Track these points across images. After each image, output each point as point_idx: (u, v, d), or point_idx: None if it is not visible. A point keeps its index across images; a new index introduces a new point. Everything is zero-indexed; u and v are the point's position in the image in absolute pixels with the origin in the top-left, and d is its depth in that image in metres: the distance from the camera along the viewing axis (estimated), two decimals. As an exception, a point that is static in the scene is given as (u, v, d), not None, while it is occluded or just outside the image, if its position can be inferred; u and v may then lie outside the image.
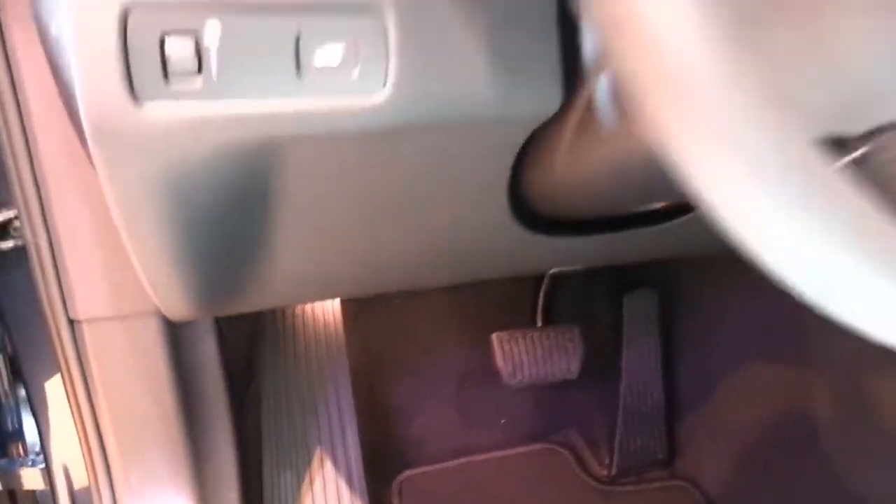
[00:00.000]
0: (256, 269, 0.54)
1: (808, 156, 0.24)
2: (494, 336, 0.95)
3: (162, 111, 0.38)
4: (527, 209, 0.56)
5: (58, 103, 0.48)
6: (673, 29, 0.23)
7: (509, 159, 0.49)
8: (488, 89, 0.42)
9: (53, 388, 0.82)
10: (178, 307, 0.55)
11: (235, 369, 0.81)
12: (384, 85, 0.40)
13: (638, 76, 0.24)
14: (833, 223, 0.24)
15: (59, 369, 0.70)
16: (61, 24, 0.38)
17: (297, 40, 0.38)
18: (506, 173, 0.51)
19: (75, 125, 0.43)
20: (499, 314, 0.97)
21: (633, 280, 1.02)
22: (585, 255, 0.67)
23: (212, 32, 0.37)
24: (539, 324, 1.00)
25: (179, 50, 0.37)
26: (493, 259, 0.62)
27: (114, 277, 0.65)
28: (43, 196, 0.61)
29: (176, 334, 0.70)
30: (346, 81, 0.40)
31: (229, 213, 0.47)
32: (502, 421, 1.06)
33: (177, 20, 0.36)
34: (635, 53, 0.23)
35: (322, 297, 0.75)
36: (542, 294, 0.99)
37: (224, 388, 0.73)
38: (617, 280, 1.02)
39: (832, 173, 0.24)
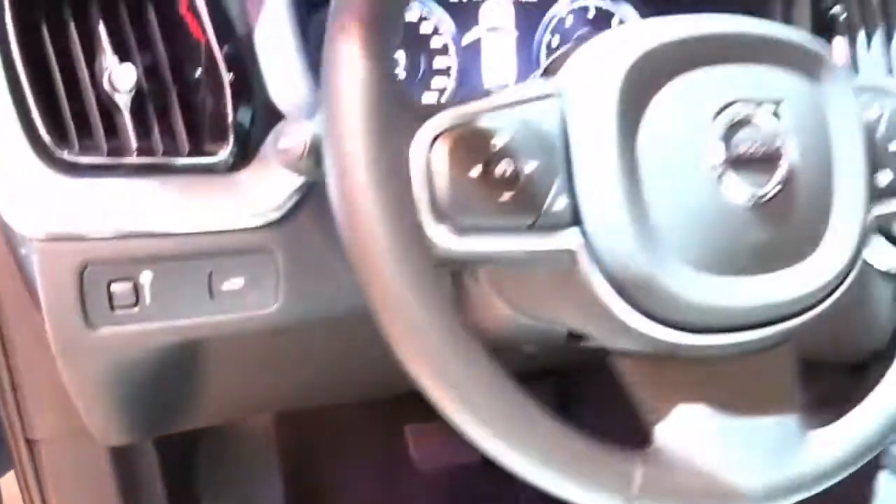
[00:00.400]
0: (186, 403, 0.68)
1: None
2: (407, 428, 1.10)
3: (108, 332, 0.52)
4: None
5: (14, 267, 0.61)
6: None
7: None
8: (354, 292, 0.57)
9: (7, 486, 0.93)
10: (111, 436, 0.68)
11: (175, 468, 0.93)
12: (275, 301, 0.55)
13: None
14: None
15: (18, 483, 0.82)
16: (30, 260, 0.52)
17: (210, 275, 0.53)
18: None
19: (35, 303, 0.56)
20: (413, 406, 1.12)
21: (533, 372, 1.17)
22: None
23: (145, 277, 0.52)
24: (447, 416, 1.14)
25: (121, 290, 0.51)
26: (391, 380, 0.77)
27: (65, 404, 0.78)
28: (6, 340, 0.74)
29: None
30: (247, 301, 0.54)
31: (163, 375, 0.61)
32: (419, 501, 1.19)
33: (120, 271, 0.51)
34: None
35: (250, 413, 0.88)
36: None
37: (165, 496, 0.85)
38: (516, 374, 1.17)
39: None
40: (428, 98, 0.72)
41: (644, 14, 0.77)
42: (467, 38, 0.73)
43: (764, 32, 0.46)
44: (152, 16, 0.53)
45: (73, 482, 0.80)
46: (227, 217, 0.53)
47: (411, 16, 0.71)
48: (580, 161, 0.42)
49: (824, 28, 0.70)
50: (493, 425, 0.40)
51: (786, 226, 0.46)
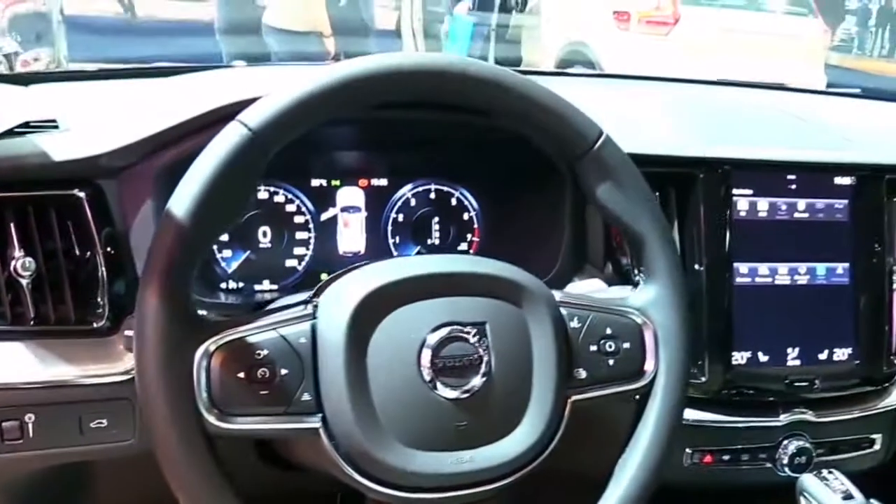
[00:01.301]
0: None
1: None
2: None
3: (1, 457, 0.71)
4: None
5: None
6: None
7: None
8: None
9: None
10: None
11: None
12: (133, 436, 0.73)
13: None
14: None
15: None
16: None
17: (80, 417, 0.72)
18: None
19: None
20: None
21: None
22: None
23: (29, 418, 0.70)
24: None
25: (10, 427, 0.70)
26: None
27: None
28: None
29: None
30: (110, 436, 0.73)
31: (51, 485, 0.79)
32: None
33: (9, 413, 0.70)
34: None
35: None
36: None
37: None
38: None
39: None
40: (290, 263, 0.92)
41: (478, 195, 0.97)
42: (325, 216, 0.93)
43: (476, 271, 0.66)
44: (53, 217, 0.73)
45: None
46: (98, 373, 0.72)
47: (278, 198, 0.91)
48: (322, 368, 0.60)
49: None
50: None
51: (485, 414, 0.63)
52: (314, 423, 0.60)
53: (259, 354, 0.59)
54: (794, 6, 4.39)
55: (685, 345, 0.72)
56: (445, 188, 0.97)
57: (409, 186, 0.96)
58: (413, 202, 0.96)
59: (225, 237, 0.90)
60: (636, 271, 0.74)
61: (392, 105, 0.66)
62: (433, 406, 0.62)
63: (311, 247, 0.93)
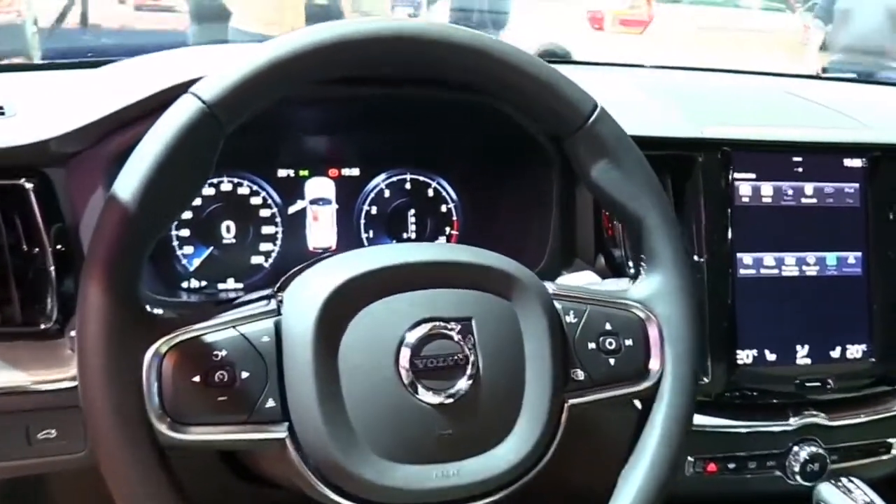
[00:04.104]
0: None
1: None
2: None
3: None
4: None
5: None
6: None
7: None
8: None
9: None
10: None
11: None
12: (84, 448, 0.72)
13: None
14: None
15: None
16: None
17: (28, 427, 0.70)
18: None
19: None
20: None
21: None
22: None
23: None
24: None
25: None
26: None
27: None
28: None
29: None
30: (60, 447, 0.71)
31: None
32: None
33: None
34: None
35: None
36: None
37: None
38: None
39: None
40: (256, 260, 0.91)
41: (457, 185, 0.97)
42: (293, 209, 0.92)
43: (460, 259, 0.63)
44: None
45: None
46: (45, 379, 0.70)
47: (242, 190, 0.90)
48: (288, 371, 0.58)
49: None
50: None
51: (473, 421, 0.61)
52: (280, 432, 0.58)
53: (217, 355, 0.57)
54: (771, 1, 4.46)
55: (694, 341, 0.69)
56: (421, 178, 0.96)
57: (383, 176, 0.95)
58: (387, 193, 0.95)
59: (186, 232, 0.89)
60: (630, 263, 0.72)
61: (367, 80, 0.65)
62: (414, 413, 0.59)
63: (278, 242, 0.92)
